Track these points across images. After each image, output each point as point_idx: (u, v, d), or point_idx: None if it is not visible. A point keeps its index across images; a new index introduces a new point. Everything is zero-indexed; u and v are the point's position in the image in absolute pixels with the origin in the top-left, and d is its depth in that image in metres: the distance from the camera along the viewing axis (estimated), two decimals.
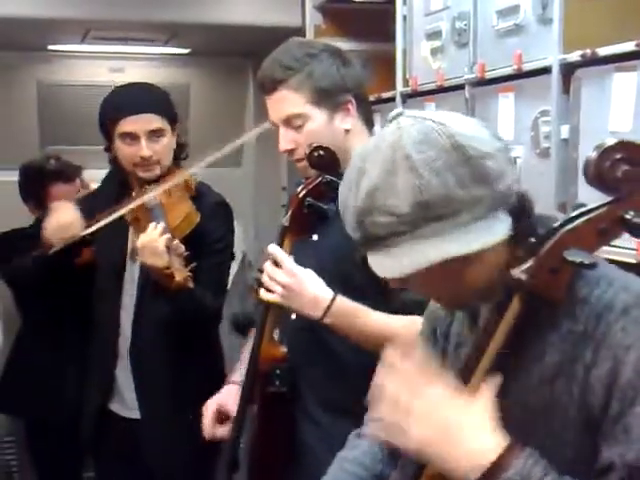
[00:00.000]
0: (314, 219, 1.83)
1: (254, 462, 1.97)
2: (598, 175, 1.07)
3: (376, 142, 1.19)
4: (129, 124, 2.42)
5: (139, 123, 2.41)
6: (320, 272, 1.81)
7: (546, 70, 2.01)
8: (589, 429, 1.12)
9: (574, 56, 1.93)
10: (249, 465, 1.98)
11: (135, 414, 2.55)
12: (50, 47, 4.12)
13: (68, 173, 3.20)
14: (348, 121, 1.91)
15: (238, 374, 2.11)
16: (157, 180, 2.45)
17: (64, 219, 2.41)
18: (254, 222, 4.54)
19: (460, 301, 1.23)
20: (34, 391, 3.18)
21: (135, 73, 4.28)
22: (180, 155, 2.54)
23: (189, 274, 2.25)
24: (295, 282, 1.77)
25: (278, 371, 1.89)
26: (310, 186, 1.81)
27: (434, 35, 2.62)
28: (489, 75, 2.28)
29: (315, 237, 1.92)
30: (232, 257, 2.64)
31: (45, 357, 3.18)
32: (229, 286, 4.12)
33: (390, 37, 2.94)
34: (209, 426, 2.07)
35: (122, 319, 2.55)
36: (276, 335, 1.94)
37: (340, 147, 1.86)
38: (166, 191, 2.39)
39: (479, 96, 2.34)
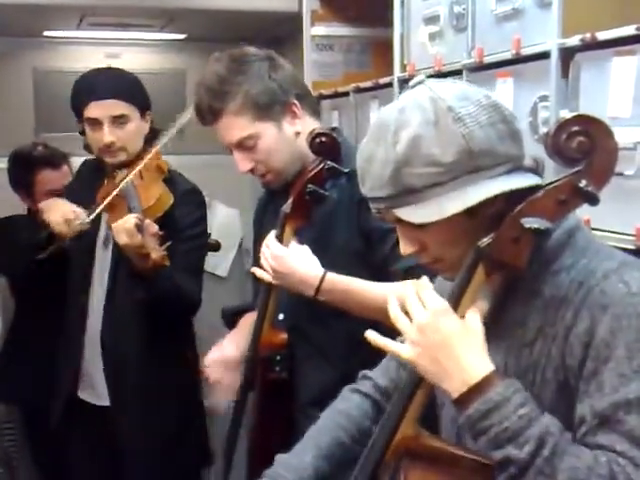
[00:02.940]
0: (315, 205, 1.82)
1: (253, 448, 1.97)
2: (556, 147, 1.13)
3: (406, 100, 1.22)
4: (92, 110, 2.44)
5: (102, 109, 2.43)
6: None
7: (545, 55, 2.00)
8: (563, 391, 1.16)
9: (573, 40, 1.91)
10: (248, 451, 1.98)
11: (105, 402, 2.56)
12: (46, 33, 4.10)
13: (55, 160, 3.20)
14: (297, 123, 1.92)
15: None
16: (128, 164, 2.46)
17: (68, 211, 2.45)
18: (250, 209, 4.52)
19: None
20: (30, 378, 3.18)
21: (131, 59, 4.25)
22: (153, 140, 2.52)
23: (164, 253, 2.27)
24: (280, 265, 1.80)
25: (278, 357, 1.89)
26: (312, 172, 1.80)
27: (432, 20, 2.60)
28: (487, 60, 2.27)
29: None
30: (209, 246, 2.65)
31: (40, 343, 3.18)
32: (227, 273, 4.13)
33: (387, 22, 2.92)
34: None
35: (93, 307, 2.57)
36: (281, 317, 1.95)
37: (295, 150, 1.91)
38: (137, 174, 2.41)
39: (477, 81, 2.31)
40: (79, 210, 2.45)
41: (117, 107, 2.44)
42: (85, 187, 2.57)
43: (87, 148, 2.57)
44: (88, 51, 4.29)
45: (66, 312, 2.69)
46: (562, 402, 1.15)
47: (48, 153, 3.21)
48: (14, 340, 3.34)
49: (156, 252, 2.25)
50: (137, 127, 2.49)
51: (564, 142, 1.12)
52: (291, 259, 1.80)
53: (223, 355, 2.09)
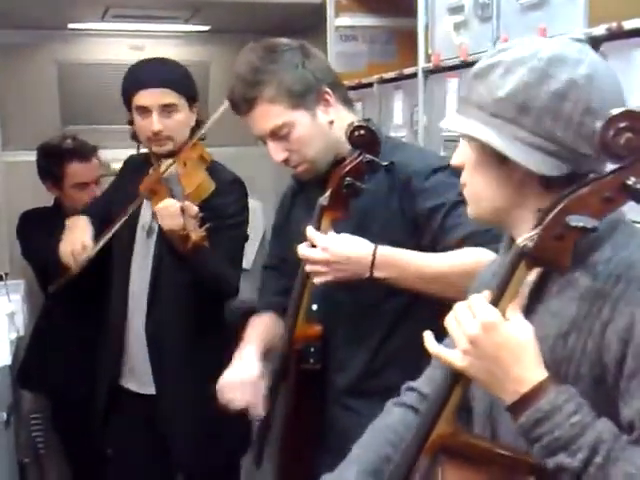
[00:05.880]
0: (352, 198, 1.81)
1: (285, 439, 1.97)
2: (603, 144, 1.10)
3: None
4: (142, 97, 2.48)
5: (152, 97, 2.47)
6: None
7: None
8: (599, 387, 1.14)
9: (599, 30, 1.89)
10: (280, 442, 1.98)
11: (150, 390, 2.58)
12: (70, 26, 4.11)
13: (84, 152, 3.23)
14: (330, 112, 1.91)
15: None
16: (174, 154, 2.49)
17: (75, 246, 2.46)
18: (273, 201, 4.53)
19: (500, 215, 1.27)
20: (59, 367, 3.21)
21: (155, 51, 4.24)
22: (196, 131, 2.55)
23: (204, 233, 2.31)
24: (333, 254, 1.74)
25: (312, 349, 1.90)
26: (350, 165, 1.78)
27: (457, 9, 2.59)
28: None
29: None
30: (246, 237, 2.66)
31: (70, 332, 3.21)
32: (250, 265, 4.13)
33: (412, 12, 2.90)
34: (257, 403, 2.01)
35: (134, 296, 2.59)
36: (314, 307, 1.95)
37: (329, 139, 1.90)
38: (180, 162, 2.43)
39: None
40: (89, 242, 2.47)
41: (167, 96, 2.48)
42: (129, 182, 2.59)
43: (134, 137, 2.59)
44: (112, 43, 4.31)
45: (108, 300, 2.72)
46: (599, 398, 1.13)
47: (78, 145, 3.24)
48: (43, 329, 3.37)
49: (196, 233, 2.30)
50: (185, 117, 2.53)
51: (612, 138, 1.09)
52: (340, 243, 1.75)
53: (238, 377, 2.02)
